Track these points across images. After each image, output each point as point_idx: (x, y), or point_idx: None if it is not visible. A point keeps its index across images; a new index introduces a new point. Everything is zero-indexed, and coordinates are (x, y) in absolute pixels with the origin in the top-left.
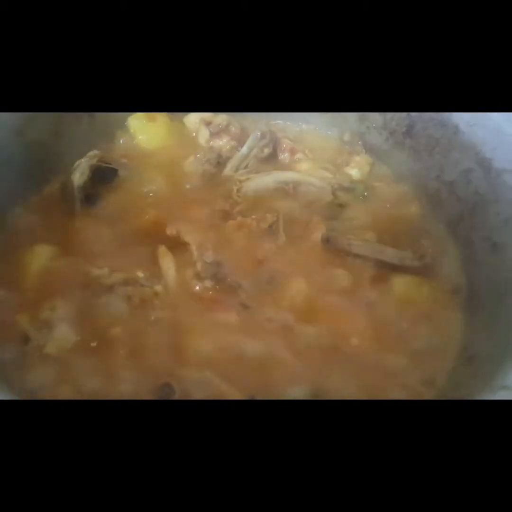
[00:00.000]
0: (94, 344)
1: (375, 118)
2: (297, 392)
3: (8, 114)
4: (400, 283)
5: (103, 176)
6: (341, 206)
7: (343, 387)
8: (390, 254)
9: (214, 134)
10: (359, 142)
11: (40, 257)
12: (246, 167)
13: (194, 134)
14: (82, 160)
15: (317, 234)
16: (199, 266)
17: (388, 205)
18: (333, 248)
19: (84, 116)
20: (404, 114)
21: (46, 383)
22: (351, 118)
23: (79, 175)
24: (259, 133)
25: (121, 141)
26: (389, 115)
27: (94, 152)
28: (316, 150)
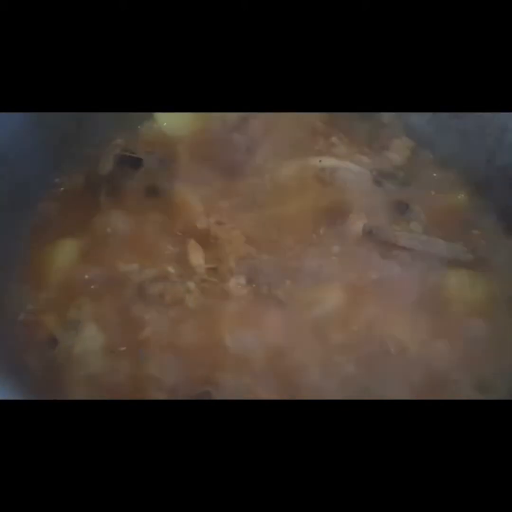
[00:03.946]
0: (123, 347)
1: None
2: None
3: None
4: (452, 278)
5: (128, 166)
6: (383, 193)
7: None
8: (440, 247)
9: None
10: (399, 124)
11: (65, 252)
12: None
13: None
14: (106, 150)
15: (359, 225)
16: (231, 261)
17: (433, 193)
18: (376, 241)
19: None
20: None
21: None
22: None
23: (103, 165)
24: None
25: (145, 129)
26: None
27: (118, 141)
28: (352, 133)
